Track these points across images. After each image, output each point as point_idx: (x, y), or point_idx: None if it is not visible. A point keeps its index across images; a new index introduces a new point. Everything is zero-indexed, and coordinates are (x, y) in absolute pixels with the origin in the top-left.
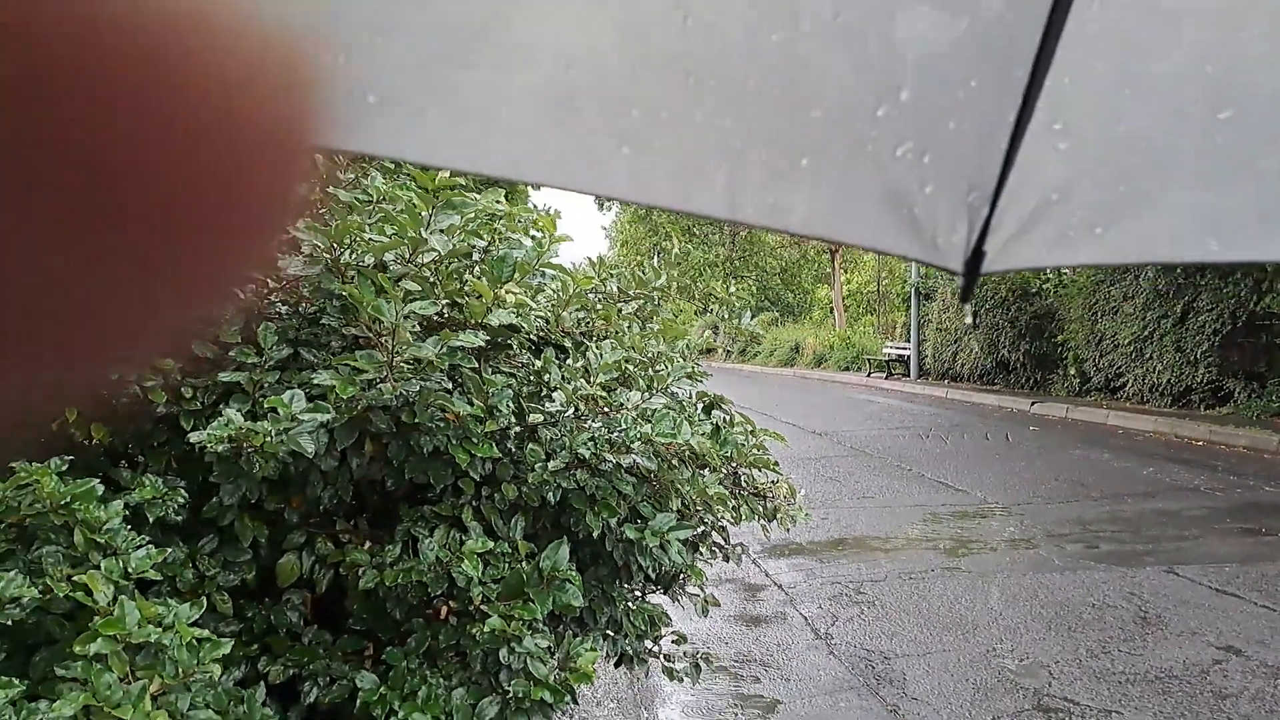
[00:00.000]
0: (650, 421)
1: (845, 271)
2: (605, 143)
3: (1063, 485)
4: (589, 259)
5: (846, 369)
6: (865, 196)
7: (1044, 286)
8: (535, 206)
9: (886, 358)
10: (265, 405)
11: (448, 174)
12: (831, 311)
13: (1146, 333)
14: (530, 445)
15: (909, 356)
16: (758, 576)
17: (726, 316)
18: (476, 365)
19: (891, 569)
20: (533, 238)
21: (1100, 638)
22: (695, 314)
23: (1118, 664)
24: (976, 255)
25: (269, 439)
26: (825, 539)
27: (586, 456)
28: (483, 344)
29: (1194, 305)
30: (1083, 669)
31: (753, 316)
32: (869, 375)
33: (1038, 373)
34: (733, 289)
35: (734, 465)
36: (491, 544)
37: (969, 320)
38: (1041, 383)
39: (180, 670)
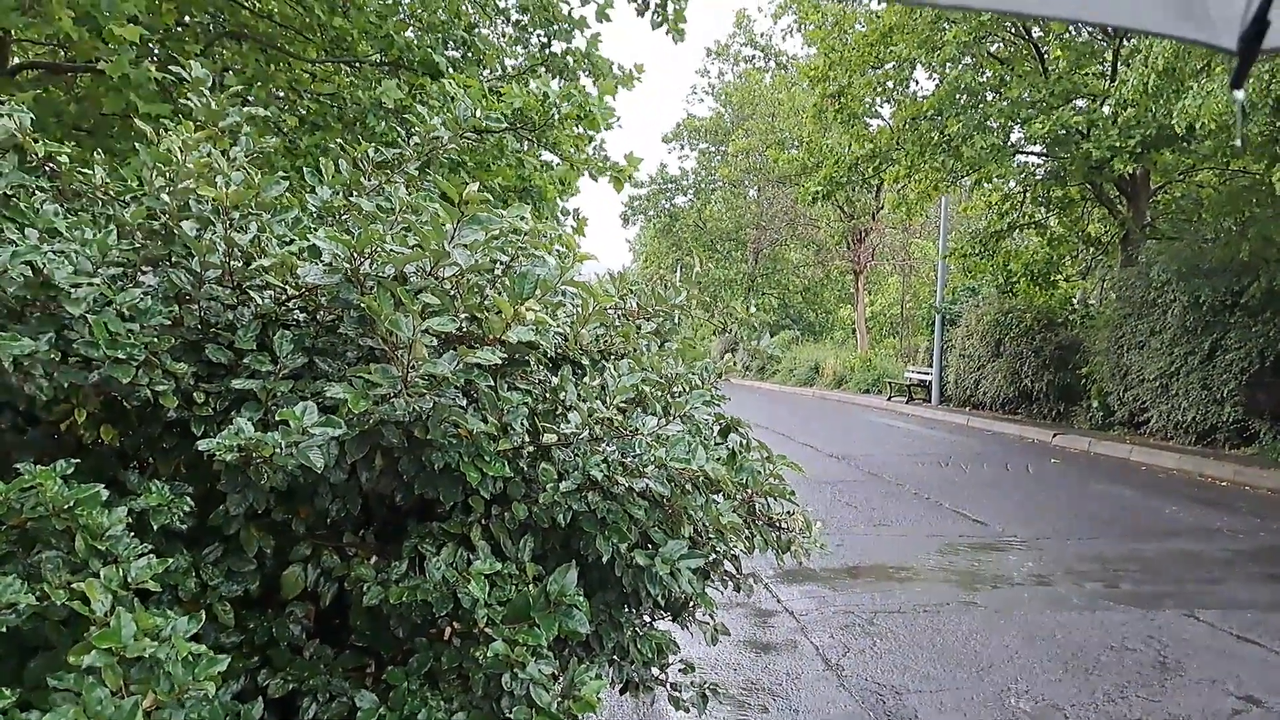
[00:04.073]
0: (665, 445)
1: (869, 292)
2: None
3: (1083, 521)
4: (610, 273)
5: (867, 391)
6: None
7: (1070, 318)
8: (566, 211)
9: (908, 382)
10: (276, 417)
11: (475, 188)
12: (853, 332)
13: (1173, 369)
14: (543, 465)
15: (931, 382)
16: (770, 602)
17: (746, 336)
18: (493, 382)
19: (906, 600)
20: (556, 253)
21: (1118, 681)
22: (714, 333)
23: (1135, 710)
24: (1258, 27)
25: (278, 451)
26: (840, 566)
27: (599, 479)
28: (500, 361)
29: (1221, 343)
30: (1099, 713)
31: (772, 335)
32: (889, 399)
33: (1060, 404)
34: (753, 308)
35: (749, 492)
36: (499, 565)
37: (1239, 103)
38: (1064, 414)
39: (175, 686)
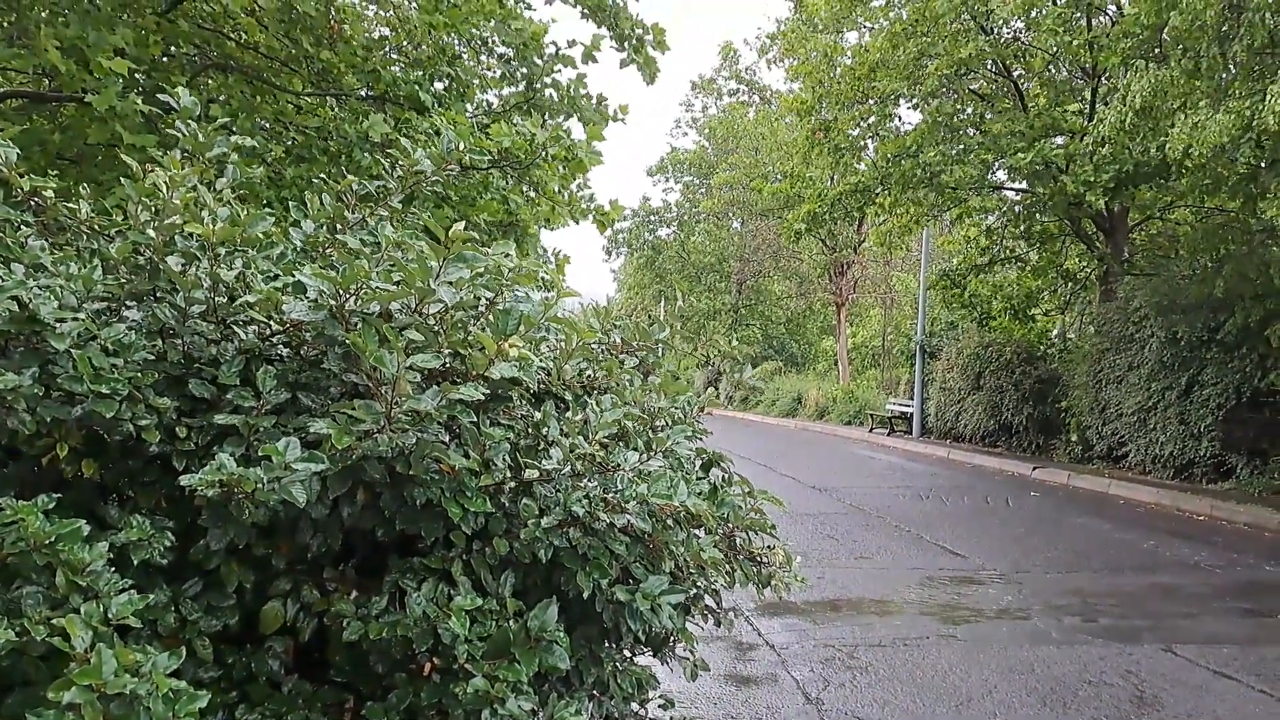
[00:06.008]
0: (647, 481)
1: (851, 325)
2: None
3: (1062, 554)
4: (594, 307)
5: (849, 423)
6: None
7: (1049, 352)
8: (544, 250)
9: (889, 414)
10: (259, 452)
11: (461, 226)
12: (835, 364)
13: (1150, 403)
14: (525, 500)
15: (912, 414)
16: (750, 635)
17: (729, 370)
18: (476, 418)
19: (886, 634)
20: (540, 282)
21: (1095, 716)
22: (698, 365)
23: None
24: None
25: (260, 486)
26: (821, 599)
27: (580, 514)
28: (483, 397)
29: (1199, 379)
30: None
31: (754, 367)
32: (871, 431)
33: (1040, 437)
34: (735, 340)
35: (730, 527)
36: (480, 600)
37: None
38: (1044, 447)
39: None
